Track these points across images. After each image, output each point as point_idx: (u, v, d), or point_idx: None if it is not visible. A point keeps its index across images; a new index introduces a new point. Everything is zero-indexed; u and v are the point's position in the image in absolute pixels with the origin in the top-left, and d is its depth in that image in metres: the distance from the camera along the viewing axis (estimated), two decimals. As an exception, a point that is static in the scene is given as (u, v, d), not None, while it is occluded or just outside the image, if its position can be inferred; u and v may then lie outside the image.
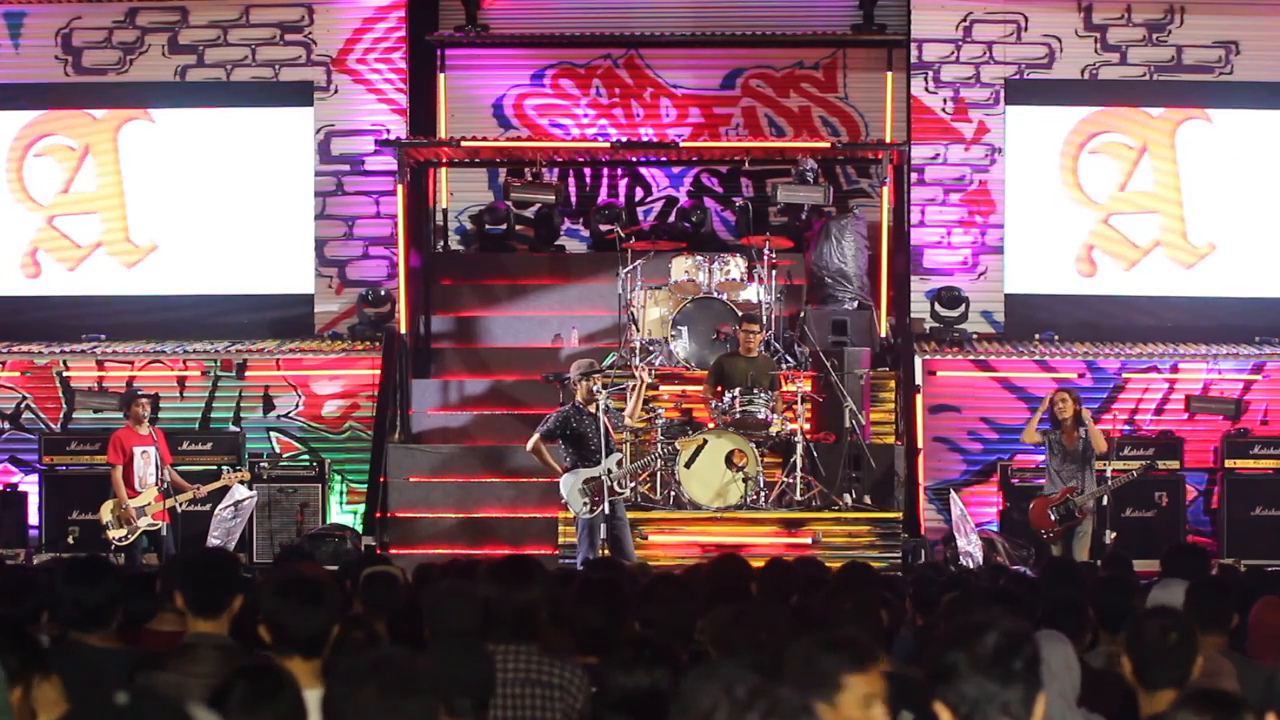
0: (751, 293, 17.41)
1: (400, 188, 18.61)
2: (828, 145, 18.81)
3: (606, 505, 14.67)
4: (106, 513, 16.08)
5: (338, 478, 18.18)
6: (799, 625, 6.16)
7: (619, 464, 14.89)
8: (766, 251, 17.37)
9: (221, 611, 6.16)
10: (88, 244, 19.52)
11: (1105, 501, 15.69)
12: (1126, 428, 18.27)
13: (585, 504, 14.73)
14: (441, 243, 20.16)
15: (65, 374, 18.87)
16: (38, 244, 19.54)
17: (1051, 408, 15.85)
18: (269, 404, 18.75)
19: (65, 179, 19.51)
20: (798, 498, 16.06)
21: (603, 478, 14.67)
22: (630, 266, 17.58)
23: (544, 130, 20.08)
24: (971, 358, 18.66)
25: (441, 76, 20.14)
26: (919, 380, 18.00)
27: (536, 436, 15.01)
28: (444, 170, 20.08)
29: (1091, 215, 19.10)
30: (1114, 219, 19.15)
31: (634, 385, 15.71)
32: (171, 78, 19.56)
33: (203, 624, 6.16)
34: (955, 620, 4.06)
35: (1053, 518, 15.46)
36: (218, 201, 19.44)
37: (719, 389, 16.11)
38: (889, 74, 19.72)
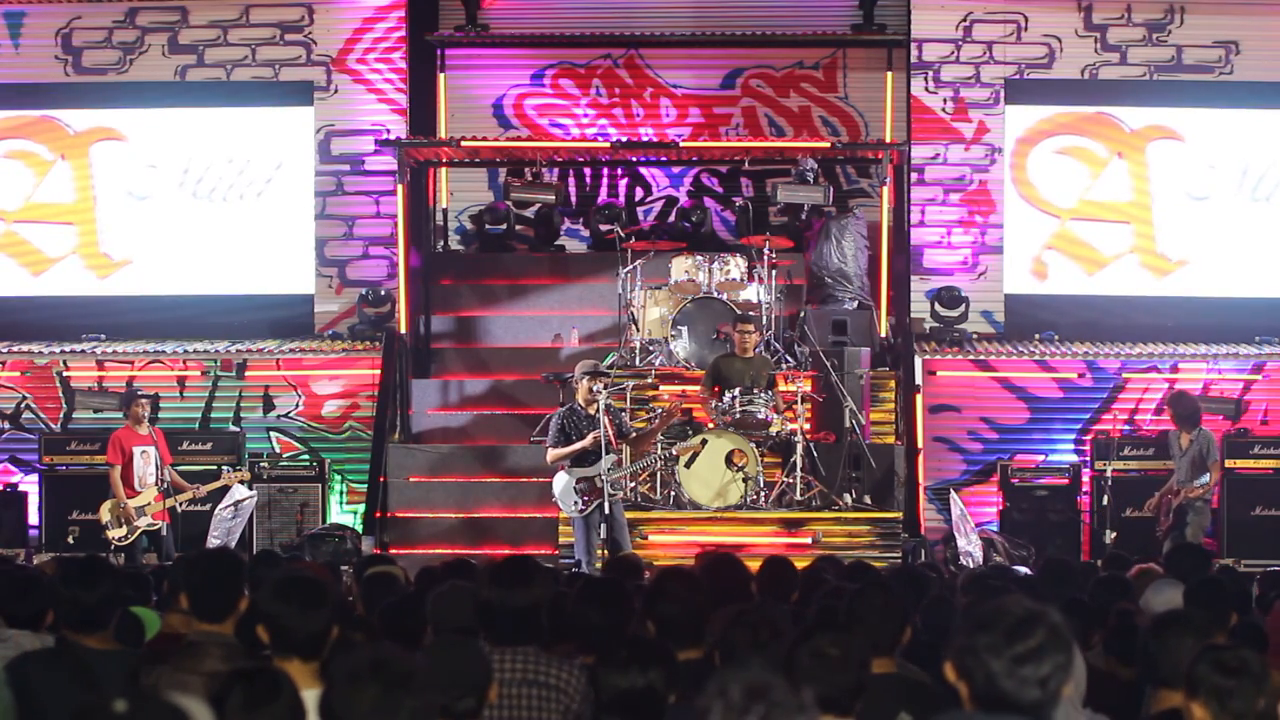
0: (751, 293, 17.40)
1: (400, 188, 18.60)
2: (828, 145, 18.79)
3: (607, 505, 14.63)
4: (106, 513, 16.09)
5: (338, 478, 18.18)
6: (816, 625, 6.15)
7: (616, 464, 14.81)
8: (766, 251, 17.35)
9: (226, 616, 6.14)
10: (58, 254, 19.56)
11: (1211, 502, 16.68)
12: (1126, 428, 18.27)
13: (576, 503, 14.69)
14: (441, 243, 20.15)
15: (65, 374, 18.85)
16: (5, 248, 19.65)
17: None
18: (269, 404, 18.74)
19: (34, 186, 19.56)
20: (798, 498, 16.04)
21: (597, 478, 14.64)
22: (630, 266, 17.57)
23: (544, 130, 20.06)
24: (971, 358, 18.65)
25: (441, 76, 20.12)
26: (919, 380, 17.98)
27: (551, 452, 14.93)
28: (444, 170, 20.07)
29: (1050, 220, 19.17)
30: (1075, 225, 19.19)
31: (661, 416, 15.65)
32: (171, 78, 19.56)
33: (207, 626, 6.15)
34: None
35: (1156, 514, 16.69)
36: (217, 201, 19.44)
37: (716, 389, 16.09)
38: (889, 74, 19.70)
